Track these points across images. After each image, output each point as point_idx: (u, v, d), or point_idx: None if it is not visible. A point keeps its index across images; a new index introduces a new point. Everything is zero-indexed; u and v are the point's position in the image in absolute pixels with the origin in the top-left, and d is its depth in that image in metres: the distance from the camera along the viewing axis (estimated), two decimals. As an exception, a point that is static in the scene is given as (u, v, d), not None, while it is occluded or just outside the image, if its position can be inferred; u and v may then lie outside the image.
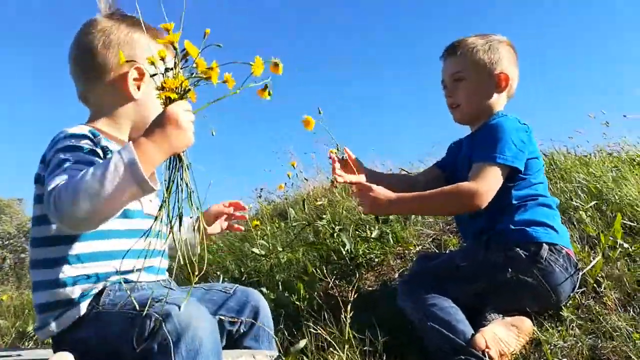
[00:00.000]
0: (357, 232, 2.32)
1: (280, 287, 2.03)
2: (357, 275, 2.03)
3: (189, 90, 0.97)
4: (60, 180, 0.93)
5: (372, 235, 2.21)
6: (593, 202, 1.88)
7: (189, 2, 0.96)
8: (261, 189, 3.91)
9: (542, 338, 1.29)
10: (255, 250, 2.38)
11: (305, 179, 3.50)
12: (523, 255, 1.36)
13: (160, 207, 0.95)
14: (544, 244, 1.38)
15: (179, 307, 0.95)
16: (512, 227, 1.42)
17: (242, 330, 1.28)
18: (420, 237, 2.21)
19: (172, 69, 0.95)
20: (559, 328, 1.34)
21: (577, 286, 1.42)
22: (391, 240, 2.18)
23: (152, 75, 0.97)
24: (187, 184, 0.96)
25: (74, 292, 1.05)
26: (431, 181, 1.69)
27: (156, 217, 0.95)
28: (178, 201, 0.95)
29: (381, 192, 1.46)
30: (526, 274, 1.35)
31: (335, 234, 2.20)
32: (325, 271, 2.15)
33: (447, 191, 1.44)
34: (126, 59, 1.13)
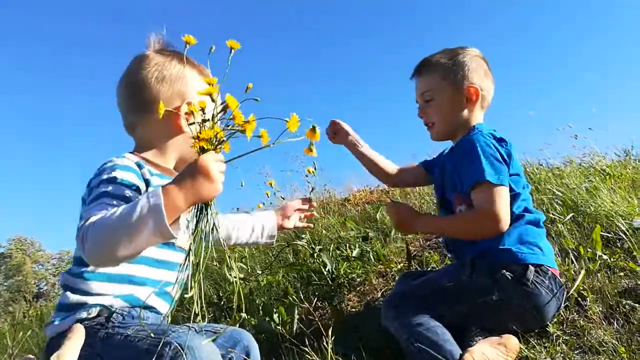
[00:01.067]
0: (337, 251, 2.28)
1: (261, 311, 1.97)
2: (340, 296, 1.99)
3: (224, 141, 1.00)
4: (93, 215, 0.96)
5: (353, 254, 2.18)
6: (570, 215, 1.90)
7: (235, 58, 1.02)
8: (237, 209, 3.82)
9: (530, 356, 1.28)
10: (234, 273, 2.31)
11: (282, 197, 3.45)
12: (509, 277, 1.34)
13: (188, 253, 0.99)
14: (530, 266, 1.35)
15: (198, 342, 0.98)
16: (499, 247, 1.39)
17: None
18: (401, 254, 2.19)
19: (209, 119, 0.99)
20: (546, 344, 1.33)
21: (562, 305, 1.41)
22: (372, 259, 2.15)
23: (190, 124, 1.04)
24: (212, 230, 1.00)
25: (88, 300, 1.11)
26: (412, 178, 1.82)
27: (183, 263, 1.00)
28: (201, 247, 0.99)
29: (406, 212, 1.56)
30: (512, 297, 1.33)
31: (315, 254, 2.16)
32: (306, 293, 2.11)
33: (465, 220, 1.48)
34: (178, 93, 1.26)
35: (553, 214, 1.95)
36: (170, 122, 1.25)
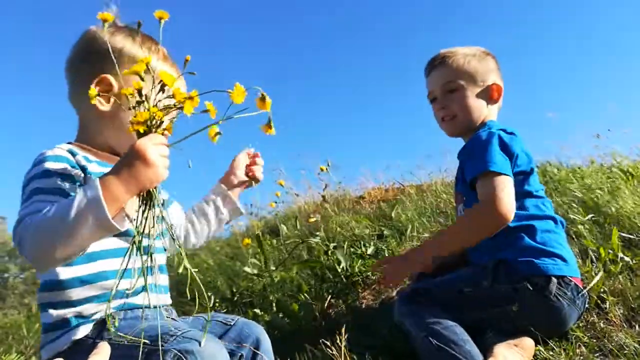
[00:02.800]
0: (352, 249, 2.27)
1: (275, 307, 1.97)
2: (354, 293, 1.98)
3: (162, 122, 0.92)
4: (27, 215, 0.91)
5: (368, 252, 2.17)
6: (590, 216, 1.86)
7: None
8: (251, 205, 3.84)
9: (549, 358, 1.25)
10: (247, 269, 2.32)
11: (296, 194, 3.45)
12: (530, 288, 1.30)
13: (131, 248, 0.90)
14: (553, 278, 1.31)
15: (199, 343, 0.92)
16: (519, 257, 1.35)
17: None
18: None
19: (144, 100, 0.90)
20: (565, 347, 1.30)
21: (582, 313, 1.37)
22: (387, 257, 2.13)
23: (129, 108, 0.92)
24: (160, 219, 0.93)
25: (68, 314, 1.04)
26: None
27: (127, 259, 0.90)
28: (150, 237, 0.91)
29: (396, 259, 1.52)
30: (533, 308, 1.30)
31: (329, 252, 2.15)
32: (320, 290, 2.10)
33: (465, 219, 1.43)
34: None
35: (573, 215, 1.91)
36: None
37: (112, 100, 1.13)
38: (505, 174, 1.36)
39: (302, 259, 2.41)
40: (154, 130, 0.91)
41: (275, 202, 3.06)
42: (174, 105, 0.89)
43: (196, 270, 1.02)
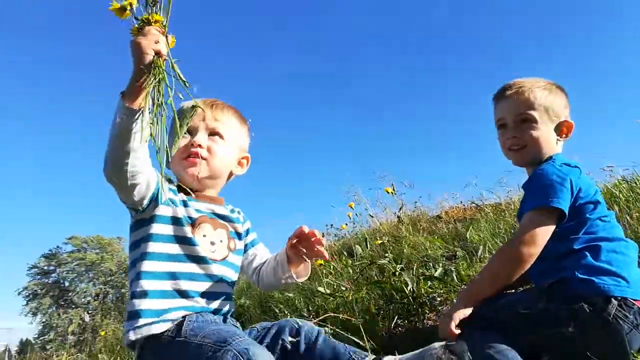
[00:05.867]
0: (420, 270, 2.31)
1: (341, 326, 2.06)
2: (420, 314, 2.01)
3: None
4: None
5: (436, 274, 2.19)
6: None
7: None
8: (331, 225, 4.00)
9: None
10: (320, 288, 2.44)
11: (370, 215, 3.54)
12: (588, 309, 1.27)
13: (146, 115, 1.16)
14: (613, 299, 1.27)
15: (252, 348, 1.08)
16: (579, 275, 1.32)
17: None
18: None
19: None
20: (629, 376, 1.24)
21: None
22: (455, 279, 2.14)
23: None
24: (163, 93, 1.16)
25: (152, 305, 1.28)
26: None
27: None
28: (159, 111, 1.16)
29: (443, 316, 1.54)
30: (590, 331, 1.27)
31: (396, 272, 2.20)
32: (388, 310, 2.16)
33: (492, 261, 1.49)
34: None
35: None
36: None
37: None
38: (556, 207, 1.37)
39: (373, 279, 2.48)
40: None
41: (346, 224, 3.17)
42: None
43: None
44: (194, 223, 1.40)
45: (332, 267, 2.82)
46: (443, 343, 1.31)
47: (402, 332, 1.96)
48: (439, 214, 3.67)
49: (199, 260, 1.38)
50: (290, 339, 1.37)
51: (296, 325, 1.39)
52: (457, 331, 1.37)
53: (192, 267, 1.36)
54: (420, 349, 1.33)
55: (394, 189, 2.69)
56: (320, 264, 2.59)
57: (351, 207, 3.18)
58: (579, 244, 1.39)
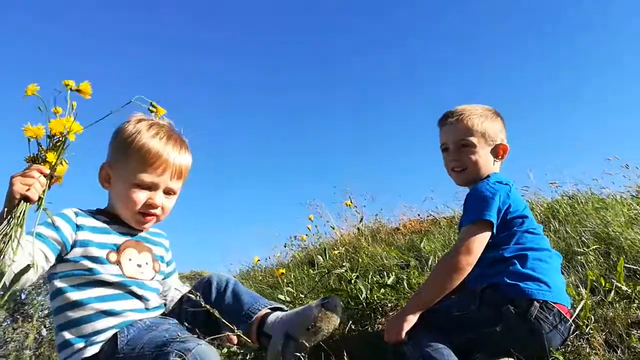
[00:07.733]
0: (375, 279, 2.45)
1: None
2: (372, 320, 2.14)
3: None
4: None
5: (388, 282, 2.33)
6: (594, 247, 1.94)
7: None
8: (294, 237, 4.13)
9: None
10: (281, 296, 2.55)
11: (332, 227, 3.68)
12: (513, 311, 1.44)
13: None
14: (535, 301, 1.43)
15: (195, 345, 1.16)
16: (507, 281, 1.49)
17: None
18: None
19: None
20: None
21: (567, 339, 1.47)
22: (406, 287, 2.29)
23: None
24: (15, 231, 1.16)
25: (79, 332, 1.34)
26: None
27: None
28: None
29: (389, 321, 1.69)
30: (515, 330, 1.43)
31: (352, 281, 2.33)
32: (344, 316, 2.28)
33: (435, 271, 1.63)
34: None
35: (579, 248, 1.99)
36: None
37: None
38: (489, 220, 1.55)
39: (331, 287, 2.61)
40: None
41: (307, 235, 3.30)
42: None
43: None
44: (118, 249, 1.46)
45: (292, 276, 2.94)
46: (319, 300, 1.50)
47: (355, 335, 2.08)
48: (397, 226, 3.86)
49: (123, 284, 1.42)
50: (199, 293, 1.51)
51: (207, 278, 1.57)
52: (405, 338, 1.51)
53: (117, 290, 1.41)
54: (302, 306, 1.52)
55: (351, 201, 2.85)
56: (282, 274, 2.70)
57: (310, 220, 3.33)
58: (509, 252, 1.57)
